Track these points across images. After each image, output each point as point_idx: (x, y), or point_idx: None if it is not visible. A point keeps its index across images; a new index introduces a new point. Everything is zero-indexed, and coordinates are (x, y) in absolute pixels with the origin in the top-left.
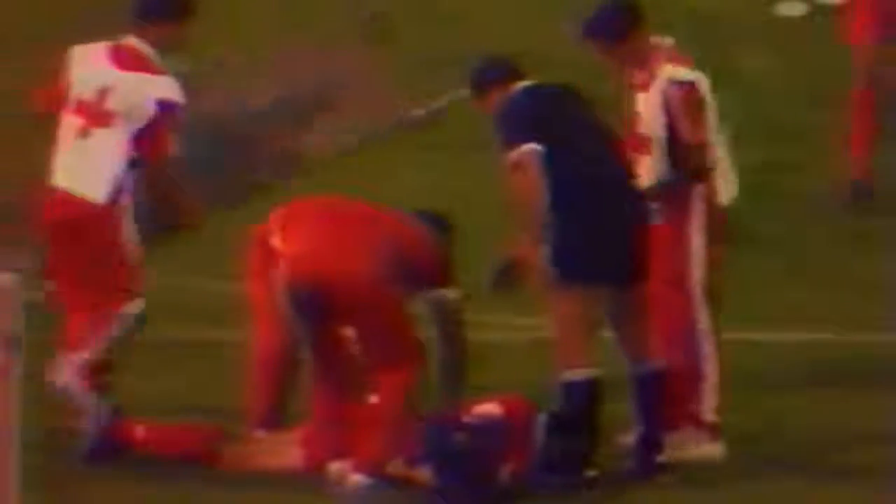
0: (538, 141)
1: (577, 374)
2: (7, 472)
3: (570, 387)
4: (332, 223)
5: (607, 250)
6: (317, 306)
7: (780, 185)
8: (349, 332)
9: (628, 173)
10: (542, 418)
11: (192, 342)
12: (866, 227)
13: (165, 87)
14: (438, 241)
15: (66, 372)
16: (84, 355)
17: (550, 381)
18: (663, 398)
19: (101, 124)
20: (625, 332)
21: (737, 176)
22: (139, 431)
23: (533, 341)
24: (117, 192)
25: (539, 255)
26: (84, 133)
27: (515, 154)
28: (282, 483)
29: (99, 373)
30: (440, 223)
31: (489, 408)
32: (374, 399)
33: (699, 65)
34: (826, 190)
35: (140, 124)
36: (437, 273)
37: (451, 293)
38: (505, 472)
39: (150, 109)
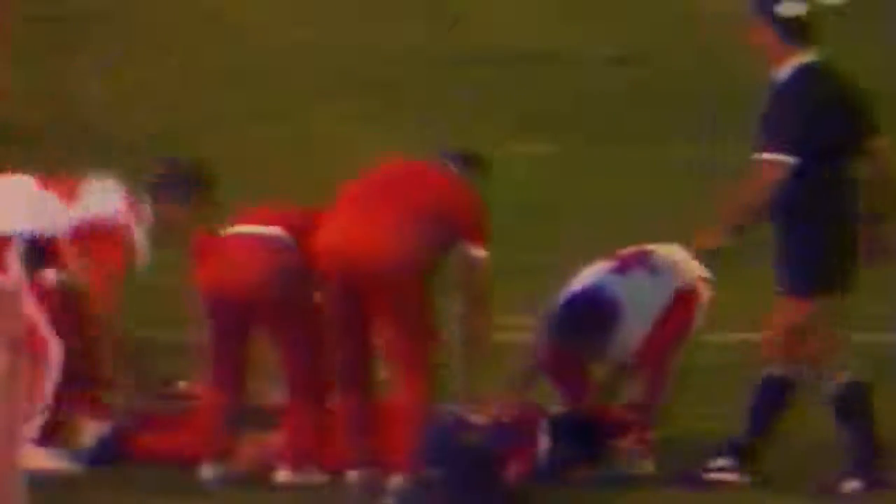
0: (794, 152)
1: (779, 370)
2: (12, 472)
3: (769, 380)
4: (360, 200)
5: (842, 261)
6: (349, 292)
7: None
8: (376, 325)
9: (855, 180)
10: (546, 419)
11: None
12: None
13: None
14: (473, 191)
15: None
16: None
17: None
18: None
19: None
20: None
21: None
22: (144, 437)
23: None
24: None
25: (720, 240)
26: None
27: (768, 159)
28: (283, 487)
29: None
30: (473, 163)
31: (495, 409)
32: (399, 399)
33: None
34: None
35: None
36: (472, 226)
37: (480, 252)
38: (511, 472)
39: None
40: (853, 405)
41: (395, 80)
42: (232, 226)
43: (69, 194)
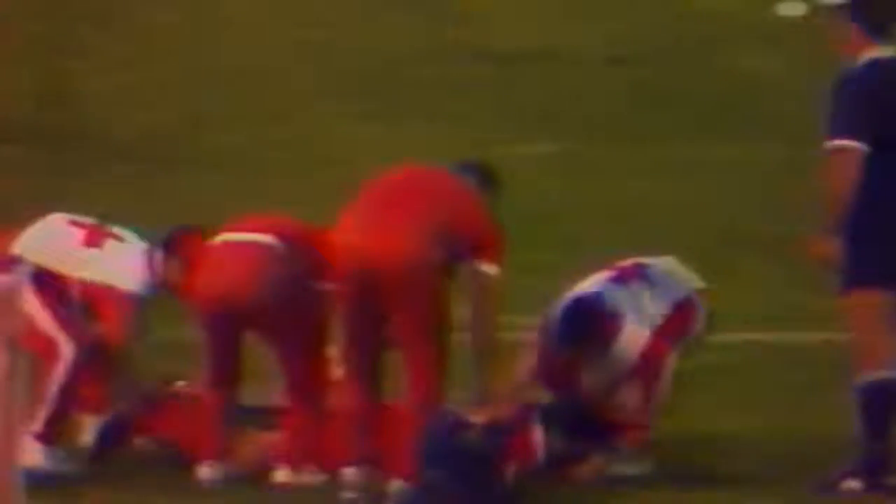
0: (862, 138)
1: (875, 375)
2: (11, 471)
3: (868, 387)
4: (380, 200)
5: None
6: (365, 292)
7: (780, 184)
8: (390, 325)
9: None
10: (538, 408)
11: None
12: None
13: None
14: (487, 206)
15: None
16: None
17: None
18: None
19: None
20: None
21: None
22: (145, 420)
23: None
24: None
25: (831, 246)
26: None
27: (838, 145)
28: (282, 487)
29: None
30: (488, 178)
31: (493, 408)
32: (406, 400)
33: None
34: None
35: None
36: (485, 244)
37: (491, 269)
38: (509, 472)
39: None
40: (883, 404)
41: (395, 80)
42: (223, 233)
43: (94, 241)
